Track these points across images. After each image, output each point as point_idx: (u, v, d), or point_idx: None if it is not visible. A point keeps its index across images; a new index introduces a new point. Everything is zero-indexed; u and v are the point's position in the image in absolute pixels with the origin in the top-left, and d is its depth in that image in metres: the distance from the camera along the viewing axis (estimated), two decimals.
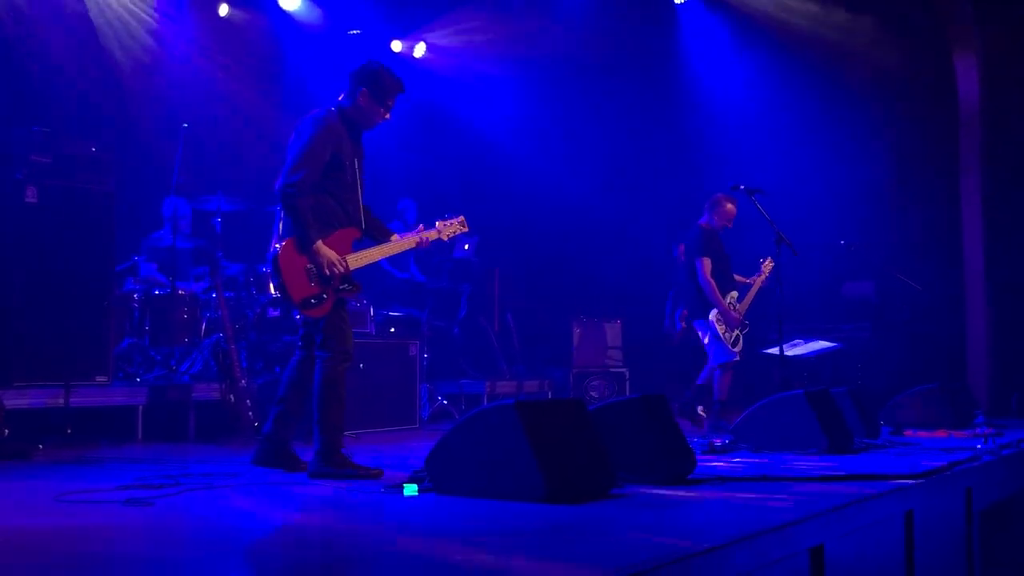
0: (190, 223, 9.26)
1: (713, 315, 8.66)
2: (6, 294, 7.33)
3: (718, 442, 6.48)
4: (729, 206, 8.79)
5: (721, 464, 5.69)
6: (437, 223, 5.97)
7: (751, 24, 12.52)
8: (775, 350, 8.12)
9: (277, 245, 5.41)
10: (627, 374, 11.37)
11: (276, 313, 8.59)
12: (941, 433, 7.63)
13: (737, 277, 8.96)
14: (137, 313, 8.48)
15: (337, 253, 5.39)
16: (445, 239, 5.99)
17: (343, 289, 5.42)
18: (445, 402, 9.95)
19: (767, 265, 8.87)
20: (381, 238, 5.73)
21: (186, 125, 8.32)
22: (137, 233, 9.11)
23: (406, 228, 11.13)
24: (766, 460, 5.88)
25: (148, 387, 7.91)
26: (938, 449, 6.38)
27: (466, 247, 11.31)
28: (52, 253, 7.47)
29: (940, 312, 11.61)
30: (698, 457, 5.24)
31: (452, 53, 12.91)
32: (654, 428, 4.92)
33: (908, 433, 7.69)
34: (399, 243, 5.78)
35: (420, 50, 12.62)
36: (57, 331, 7.41)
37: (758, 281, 8.85)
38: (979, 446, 6.31)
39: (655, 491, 4.61)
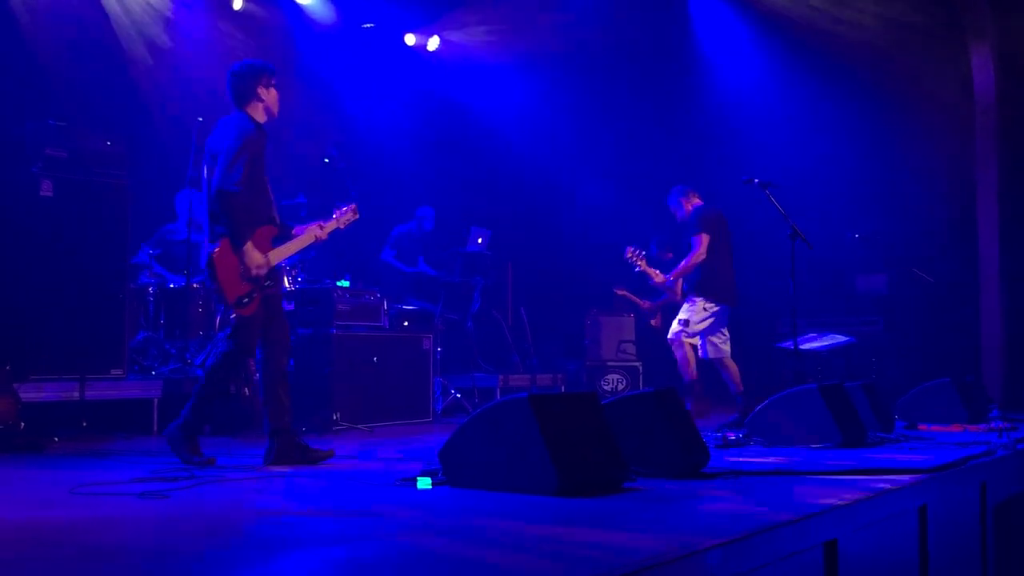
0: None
1: None
2: (22, 288, 7.37)
3: (731, 436, 6.48)
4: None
5: (735, 458, 5.68)
6: (335, 213, 6.13)
7: (765, 16, 12.46)
8: (788, 344, 8.10)
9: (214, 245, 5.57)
10: (641, 368, 11.36)
11: (290, 306, 8.61)
12: (955, 427, 7.61)
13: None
14: (152, 307, 8.51)
15: (260, 251, 5.63)
16: (342, 228, 6.16)
17: (268, 286, 5.68)
18: (458, 395, 9.96)
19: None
20: (285, 234, 5.93)
21: (201, 119, 8.34)
22: (151, 226, 9.13)
23: (420, 232, 11.18)
24: (779, 454, 5.87)
25: (163, 380, 7.94)
26: (952, 443, 6.37)
27: (479, 241, 11.31)
28: (67, 247, 7.50)
29: (954, 306, 11.57)
30: (711, 451, 5.24)
31: (465, 47, 12.90)
32: (667, 422, 4.92)
33: (922, 427, 7.67)
34: (304, 238, 5.96)
35: (434, 44, 12.61)
36: (72, 325, 7.45)
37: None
38: (993, 440, 6.29)
39: (668, 485, 4.61)
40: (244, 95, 5.75)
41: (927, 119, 11.97)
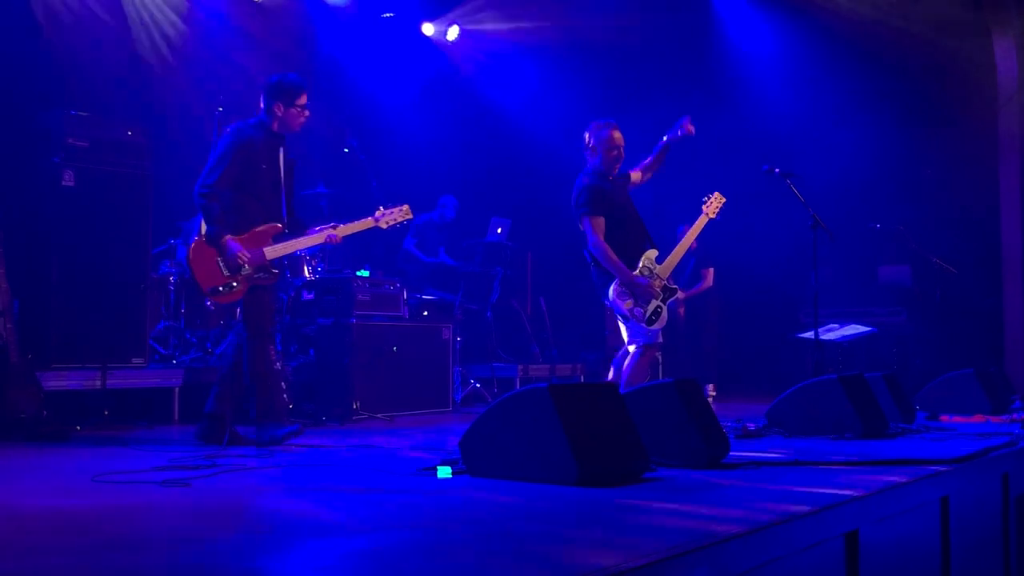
0: None
1: (613, 291, 6.84)
2: (44, 277, 7.41)
3: (752, 426, 6.46)
4: (612, 133, 7.35)
5: (755, 449, 5.66)
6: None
7: (787, 5, 12.40)
8: (810, 334, 8.06)
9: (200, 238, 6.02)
10: (660, 357, 11.32)
11: (310, 296, 8.63)
12: (978, 418, 7.57)
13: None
14: (173, 296, 8.55)
15: (256, 246, 6.04)
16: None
17: (258, 277, 6.05)
18: (478, 385, 9.97)
19: (711, 205, 7.34)
20: (298, 232, 6.32)
21: (221, 109, 8.35)
22: (173, 217, 9.15)
23: (443, 222, 11.21)
24: (800, 445, 5.85)
25: (184, 369, 7.98)
26: (974, 434, 6.33)
27: (499, 231, 11.31)
28: (89, 236, 7.55)
29: (977, 296, 11.50)
30: (732, 442, 5.23)
31: (484, 36, 12.88)
32: (687, 412, 4.90)
33: (944, 418, 7.63)
34: (311, 238, 6.35)
35: (453, 33, 12.59)
36: (94, 314, 7.50)
37: (692, 232, 7.29)
38: (1016, 431, 6.25)
39: (688, 475, 4.60)
40: (264, 105, 6.23)
41: (950, 109, 11.89)
